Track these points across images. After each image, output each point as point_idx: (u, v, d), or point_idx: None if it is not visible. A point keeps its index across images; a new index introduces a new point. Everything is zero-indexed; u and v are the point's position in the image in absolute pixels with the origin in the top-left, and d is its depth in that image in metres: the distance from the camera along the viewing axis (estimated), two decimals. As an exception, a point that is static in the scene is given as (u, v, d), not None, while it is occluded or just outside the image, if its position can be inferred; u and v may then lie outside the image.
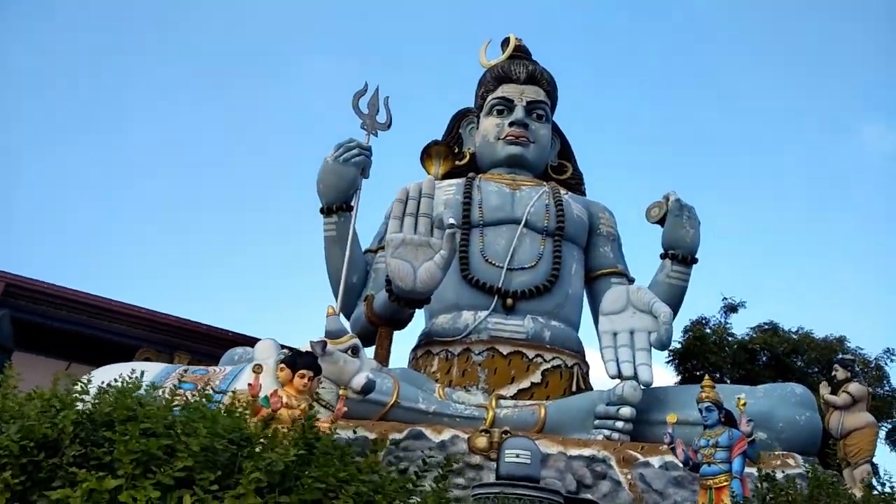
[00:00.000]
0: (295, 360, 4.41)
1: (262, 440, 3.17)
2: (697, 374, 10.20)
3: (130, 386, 3.66)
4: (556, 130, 10.41)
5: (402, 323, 8.41)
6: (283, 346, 6.58)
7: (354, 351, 5.86)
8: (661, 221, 9.02)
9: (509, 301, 8.39)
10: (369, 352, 8.57)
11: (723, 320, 10.82)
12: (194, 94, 29.60)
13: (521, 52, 10.31)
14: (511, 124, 9.55)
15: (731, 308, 9.24)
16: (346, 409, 4.59)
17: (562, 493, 5.30)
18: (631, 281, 9.65)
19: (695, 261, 8.97)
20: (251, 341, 8.78)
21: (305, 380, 4.38)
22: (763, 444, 6.60)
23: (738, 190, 30.75)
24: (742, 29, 30.29)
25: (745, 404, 5.07)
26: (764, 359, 9.26)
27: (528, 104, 9.66)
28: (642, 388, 6.98)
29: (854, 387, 5.70)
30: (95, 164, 26.97)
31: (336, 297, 8.78)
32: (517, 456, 5.04)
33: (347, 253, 8.27)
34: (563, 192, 9.41)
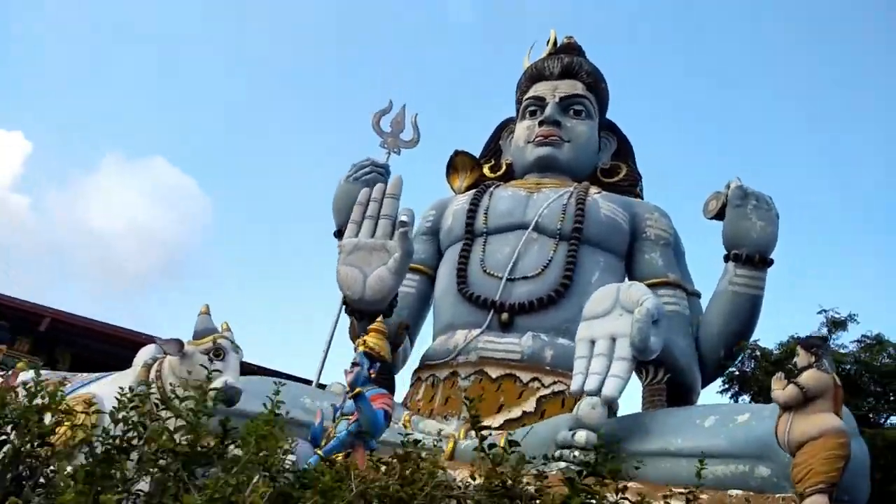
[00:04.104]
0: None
1: None
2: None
3: None
4: (612, 129, 9.00)
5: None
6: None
7: (216, 353, 5.19)
8: (721, 215, 7.22)
9: (504, 316, 7.08)
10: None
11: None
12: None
13: (566, 49, 9.18)
14: (541, 123, 8.41)
15: (836, 324, 6.80)
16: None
17: None
18: (694, 295, 7.76)
19: (766, 262, 6.95)
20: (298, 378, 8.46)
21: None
22: (767, 483, 4.60)
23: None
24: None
25: (364, 342, 3.46)
26: (869, 381, 6.51)
27: (561, 99, 8.48)
28: (606, 406, 5.30)
29: (809, 376, 3.50)
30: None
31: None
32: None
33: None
34: (594, 190, 7.93)
